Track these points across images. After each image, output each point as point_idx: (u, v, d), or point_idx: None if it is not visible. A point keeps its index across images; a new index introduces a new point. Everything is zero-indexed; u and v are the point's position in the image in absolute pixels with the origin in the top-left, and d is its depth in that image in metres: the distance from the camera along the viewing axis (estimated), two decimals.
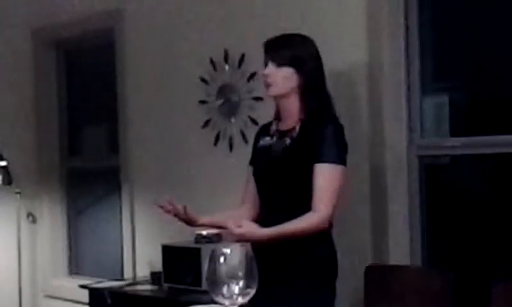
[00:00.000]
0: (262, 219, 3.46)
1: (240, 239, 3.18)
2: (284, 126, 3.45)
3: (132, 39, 5.41)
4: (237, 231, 3.18)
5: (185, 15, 5.02)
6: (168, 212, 3.46)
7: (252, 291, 1.78)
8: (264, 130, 3.61)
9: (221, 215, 3.70)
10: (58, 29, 6.03)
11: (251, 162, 3.62)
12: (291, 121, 3.42)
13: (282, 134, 3.44)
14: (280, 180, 3.37)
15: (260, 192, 3.52)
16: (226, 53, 4.73)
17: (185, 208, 3.46)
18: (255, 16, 4.55)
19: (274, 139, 3.48)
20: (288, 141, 3.40)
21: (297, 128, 3.39)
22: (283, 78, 3.38)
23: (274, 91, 3.41)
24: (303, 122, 3.38)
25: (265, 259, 3.11)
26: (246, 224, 3.22)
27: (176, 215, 3.48)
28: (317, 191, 3.27)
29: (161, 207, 3.46)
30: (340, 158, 3.32)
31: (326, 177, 3.27)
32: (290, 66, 3.37)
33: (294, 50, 3.40)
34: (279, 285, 3.27)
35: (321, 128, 3.31)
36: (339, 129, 3.36)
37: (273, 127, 3.53)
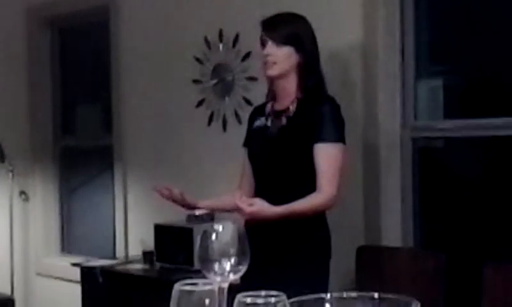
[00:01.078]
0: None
1: (252, 217, 3.17)
2: (279, 106, 3.44)
3: (126, 18, 5.39)
4: (249, 209, 3.15)
5: None
6: (166, 196, 3.45)
7: (244, 268, 1.77)
8: (258, 111, 3.59)
9: (218, 200, 3.70)
10: (52, 7, 6.00)
11: (245, 144, 3.61)
12: (287, 101, 3.40)
13: (278, 114, 3.42)
14: (276, 160, 3.36)
15: (255, 173, 3.50)
16: (220, 32, 4.72)
17: (182, 194, 3.45)
18: None
19: (270, 119, 3.46)
20: (284, 120, 3.38)
21: (293, 107, 3.37)
22: (284, 56, 3.36)
23: (275, 70, 3.38)
24: (299, 101, 3.37)
25: (260, 240, 3.13)
26: (258, 203, 3.18)
27: (173, 200, 3.48)
28: (320, 171, 3.26)
29: (159, 192, 3.45)
30: (339, 136, 3.31)
31: (327, 157, 3.27)
32: (290, 45, 3.36)
33: (293, 28, 3.39)
34: (273, 265, 3.27)
35: (318, 107, 3.30)
36: (336, 107, 3.35)
37: (268, 107, 3.51)
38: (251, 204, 3.15)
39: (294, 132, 3.33)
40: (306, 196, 3.25)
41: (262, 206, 3.17)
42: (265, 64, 3.40)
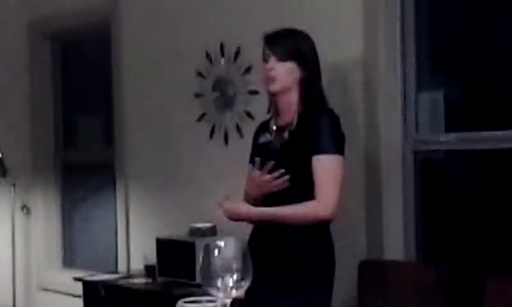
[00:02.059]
0: None
1: (228, 215, 3.25)
2: (282, 121, 3.44)
3: (127, 32, 5.41)
4: (224, 205, 3.23)
5: (181, 7, 5.01)
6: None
7: (246, 284, 1.78)
8: (263, 128, 3.59)
9: None
10: (54, 21, 6.01)
11: (251, 161, 3.60)
12: (289, 116, 3.40)
13: (280, 129, 3.43)
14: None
15: None
16: (222, 46, 4.73)
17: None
18: (251, 9, 4.54)
19: (273, 134, 3.46)
20: (286, 135, 3.39)
21: (295, 121, 3.37)
22: (286, 72, 3.36)
23: (278, 85, 3.38)
24: (300, 115, 3.37)
25: (262, 254, 3.14)
26: (234, 201, 3.25)
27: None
28: (317, 183, 3.26)
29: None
30: (337, 148, 3.30)
31: (324, 169, 3.26)
32: (293, 60, 3.36)
33: (296, 44, 3.39)
34: (276, 279, 3.26)
35: (316, 119, 3.30)
36: (334, 119, 3.34)
37: (272, 123, 3.51)
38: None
39: (296, 147, 3.33)
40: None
41: (236, 203, 3.30)
42: (267, 79, 3.40)
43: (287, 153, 3.35)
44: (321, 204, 3.25)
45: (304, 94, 3.38)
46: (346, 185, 3.39)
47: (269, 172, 3.32)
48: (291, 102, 3.40)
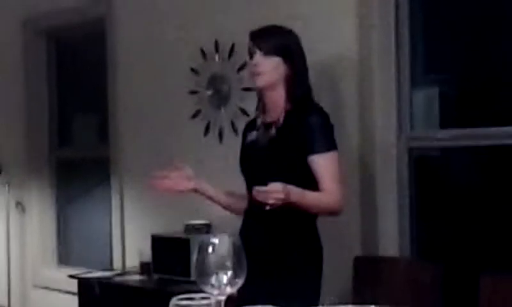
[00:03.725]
0: (247, 210, 3.48)
1: (267, 199, 3.13)
2: (269, 118, 3.44)
3: (122, 29, 5.40)
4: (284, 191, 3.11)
5: (176, 4, 5.01)
6: (164, 187, 3.45)
7: (240, 281, 1.78)
8: (250, 126, 3.59)
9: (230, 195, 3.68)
10: (48, 19, 6.00)
11: (241, 162, 3.60)
12: (276, 112, 3.40)
13: (267, 126, 3.43)
14: (267, 171, 3.36)
15: (248, 186, 3.50)
16: (216, 43, 4.73)
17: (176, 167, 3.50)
18: (245, 7, 4.54)
19: (260, 131, 3.47)
20: (273, 131, 3.39)
21: (282, 118, 3.38)
22: (271, 67, 3.36)
23: (263, 80, 3.38)
24: (288, 112, 3.38)
25: (253, 251, 3.13)
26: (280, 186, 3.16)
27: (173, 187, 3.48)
28: (321, 178, 3.28)
29: (159, 185, 3.46)
30: (331, 144, 3.32)
31: (324, 166, 3.28)
32: (278, 55, 3.37)
33: (281, 39, 3.40)
34: (265, 277, 3.25)
35: (307, 118, 3.30)
36: (325, 117, 3.35)
37: (259, 120, 3.52)
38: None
39: (284, 143, 3.33)
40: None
41: (272, 187, 3.10)
42: (253, 74, 3.42)
43: (275, 150, 3.35)
44: (334, 195, 3.29)
45: (292, 90, 3.38)
46: (345, 179, 3.40)
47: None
48: (278, 99, 3.40)
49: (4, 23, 6.19)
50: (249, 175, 3.49)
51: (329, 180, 3.28)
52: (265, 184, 3.26)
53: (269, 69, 3.36)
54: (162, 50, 5.11)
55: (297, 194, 3.18)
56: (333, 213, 3.34)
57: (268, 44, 3.37)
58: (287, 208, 3.15)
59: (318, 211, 3.31)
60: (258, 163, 3.42)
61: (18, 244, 6.22)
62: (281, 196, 3.08)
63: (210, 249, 1.80)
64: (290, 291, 3.24)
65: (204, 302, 1.58)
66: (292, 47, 3.40)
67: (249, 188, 3.48)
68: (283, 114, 3.38)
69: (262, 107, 3.50)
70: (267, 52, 3.36)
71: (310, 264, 3.36)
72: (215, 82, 4.78)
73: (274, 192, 3.08)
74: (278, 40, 3.39)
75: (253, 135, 3.51)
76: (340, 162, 3.34)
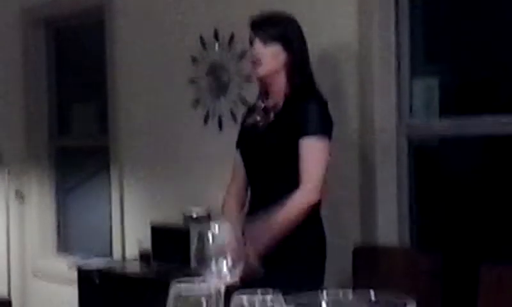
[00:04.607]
0: (252, 200, 3.48)
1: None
2: (270, 103, 3.46)
3: (121, 18, 5.39)
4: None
5: None
6: None
7: (240, 269, 1.78)
8: (250, 110, 3.61)
9: None
10: (47, 8, 5.99)
11: (238, 145, 3.61)
12: (276, 98, 3.42)
13: (267, 111, 3.44)
14: (266, 155, 3.38)
15: (248, 170, 3.51)
16: (216, 32, 4.72)
17: None
18: None
19: (260, 115, 3.47)
20: (272, 116, 3.40)
21: (281, 103, 3.38)
22: (271, 55, 3.37)
23: (263, 68, 3.39)
24: (287, 98, 3.38)
25: None
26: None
27: None
28: (302, 165, 3.27)
29: None
30: (322, 130, 3.31)
31: (310, 150, 3.27)
32: (278, 43, 3.36)
33: (281, 27, 3.40)
34: (268, 266, 3.26)
35: (304, 103, 3.31)
36: (322, 104, 3.35)
37: (259, 104, 3.52)
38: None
39: (281, 128, 3.35)
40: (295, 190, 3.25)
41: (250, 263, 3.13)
42: (253, 63, 3.42)
43: (273, 134, 3.36)
44: (305, 188, 3.26)
45: (292, 77, 3.38)
46: (335, 173, 3.38)
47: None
48: (279, 85, 3.41)
49: (3, 12, 6.18)
50: (248, 158, 3.50)
51: (308, 166, 3.26)
52: (264, 167, 3.29)
53: (268, 57, 3.37)
54: (162, 39, 5.10)
55: (261, 241, 3.19)
56: (311, 204, 3.28)
57: (267, 32, 3.37)
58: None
59: (297, 219, 3.26)
60: (257, 147, 3.44)
61: (18, 233, 6.22)
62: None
63: (210, 237, 1.80)
64: (293, 280, 3.24)
65: (204, 285, 1.58)
66: (292, 35, 3.40)
67: (249, 172, 3.49)
68: (282, 100, 3.38)
69: (264, 92, 3.51)
70: (267, 40, 3.36)
71: (313, 253, 3.37)
72: (215, 70, 4.77)
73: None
74: (278, 28, 3.39)
75: (252, 118, 3.51)
76: (328, 152, 3.32)
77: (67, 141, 6.26)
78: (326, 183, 3.33)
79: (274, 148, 3.34)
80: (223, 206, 3.60)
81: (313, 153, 3.28)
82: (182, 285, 1.57)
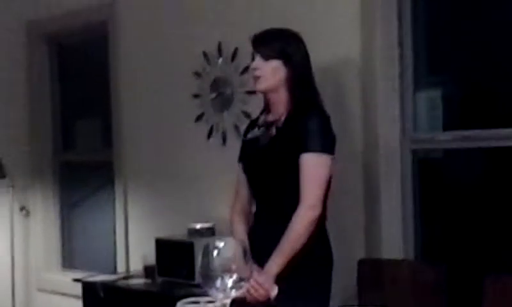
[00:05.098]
0: (256, 212, 3.48)
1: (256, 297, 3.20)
2: (272, 117, 3.46)
3: (125, 33, 5.41)
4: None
5: (179, 8, 5.01)
6: None
7: (246, 285, 1.78)
8: (252, 125, 3.62)
9: None
10: (52, 22, 6.01)
11: (240, 159, 3.62)
12: (278, 113, 3.43)
13: (269, 125, 3.45)
14: (268, 170, 3.38)
15: (251, 184, 3.52)
16: (219, 46, 4.73)
17: None
18: (248, 10, 4.55)
19: (262, 130, 3.48)
20: (273, 131, 3.41)
21: (283, 118, 3.39)
22: (271, 71, 3.38)
23: (263, 84, 3.41)
24: (289, 113, 3.39)
25: (262, 254, 3.14)
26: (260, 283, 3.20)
27: None
28: (302, 182, 3.27)
29: None
30: (324, 147, 3.30)
31: (310, 166, 3.27)
32: (278, 59, 3.38)
33: (281, 43, 3.41)
34: (277, 281, 3.26)
35: (306, 120, 3.31)
36: (324, 120, 3.35)
37: (261, 119, 3.53)
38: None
39: (282, 143, 3.35)
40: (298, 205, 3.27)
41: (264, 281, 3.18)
42: (254, 78, 3.45)
43: (274, 149, 3.37)
44: (304, 206, 3.26)
45: (293, 93, 3.39)
46: (339, 187, 3.38)
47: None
48: (281, 101, 3.42)
49: (6, 27, 6.19)
50: (250, 172, 3.51)
51: (306, 183, 3.26)
52: (267, 181, 3.29)
53: (268, 73, 3.38)
54: (165, 54, 5.12)
55: (274, 269, 3.22)
56: (310, 222, 3.28)
57: (267, 48, 3.39)
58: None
59: (305, 236, 3.26)
60: (258, 161, 3.45)
61: (23, 247, 6.22)
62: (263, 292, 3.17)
63: (215, 253, 1.80)
64: (300, 293, 3.25)
65: (209, 305, 1.59)
66: (292, 50, 3.40)
67: (252, 185, 3.50)
68: (284, 115, 3.39)
69: (266, 107, 3.52)
70: (267, 56, 3.38)
71: (321, 266, 3.37)
72: (218, 85, 4.78)
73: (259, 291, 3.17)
74: (278, 44, 3.40)
75: (254, 132, 3.52)
76: (330, 168, 3.31)
77: (71, 156, 6.27)
78: (327, 198, 3.34)
79: (276, 163, 3.35)
80: (231, 224, 3.60)
81: (312, 169, 3.28)
82: (188, 306, 1.58)
